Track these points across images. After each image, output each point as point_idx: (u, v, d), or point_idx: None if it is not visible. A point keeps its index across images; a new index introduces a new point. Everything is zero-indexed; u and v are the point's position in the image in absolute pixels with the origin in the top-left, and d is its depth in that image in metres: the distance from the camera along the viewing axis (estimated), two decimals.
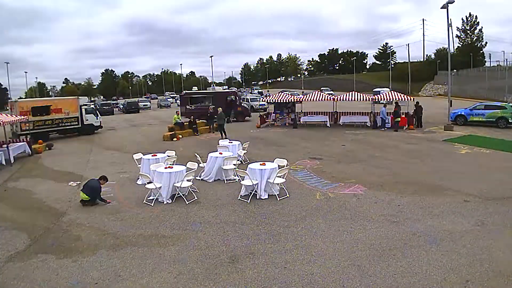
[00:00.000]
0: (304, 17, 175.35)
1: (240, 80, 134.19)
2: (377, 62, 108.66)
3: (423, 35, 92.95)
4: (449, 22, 21.26)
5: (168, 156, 11.34)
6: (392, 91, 25.64)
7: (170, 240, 6.65)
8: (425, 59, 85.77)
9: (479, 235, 6.34)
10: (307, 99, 23.81)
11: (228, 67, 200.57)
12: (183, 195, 8.82)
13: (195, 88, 36.15)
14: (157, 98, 71.11)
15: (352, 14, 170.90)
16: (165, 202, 8.65)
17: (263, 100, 32.06)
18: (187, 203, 8.56)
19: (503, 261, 5.45)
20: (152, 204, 8.55)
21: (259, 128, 22.99)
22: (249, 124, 25.24)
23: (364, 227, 6.89)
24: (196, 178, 10.20)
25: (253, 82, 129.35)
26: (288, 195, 8.84)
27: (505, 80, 48.83)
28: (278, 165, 9.33)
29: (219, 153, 11.14)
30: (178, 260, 5.85)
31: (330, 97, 23.81)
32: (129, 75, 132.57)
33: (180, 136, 19.90)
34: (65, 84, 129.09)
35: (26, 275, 5.57)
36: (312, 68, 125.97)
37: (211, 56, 71.65)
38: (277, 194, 8.76)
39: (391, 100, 22.32)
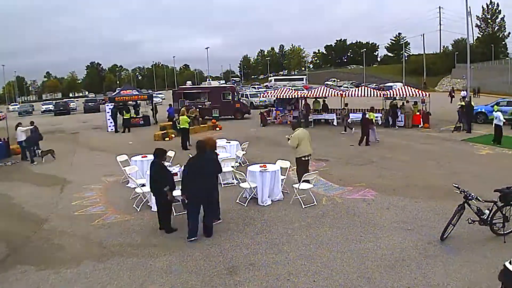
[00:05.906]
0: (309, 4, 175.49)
1: (238, 73, 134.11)
2: (389, 54, 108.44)
3: (440, 25, 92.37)
4: (468, 10, 21.31)
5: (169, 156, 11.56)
6: (406, 86, 25.66)
7: (161, 249, 6.66)
8: (441, 51, 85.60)
9: (501, 244, 6.34)
10: (312, 95, 23.82)
11: (226, 60, 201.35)
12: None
13: (189, 83, 36.18)
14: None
15: (362, 2, 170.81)
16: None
17: (264, 96, 32.06)
18: (180, 208, 8.55)
19: None
20: (139, 210, 8.55)
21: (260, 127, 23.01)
22: (249, 122, 25.25)
23: (375, 236, 6.89)
24: None
25: (253, 76, 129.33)
26: (291, 201, 8.84)
27: None
28: (281, 167, 9.34)
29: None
30: (171, 272, 5.85)
31: (337, 93, 23.81)
32: (117, 69, 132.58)
33: (173, 135, 19.92)
34: (46, 79, 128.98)
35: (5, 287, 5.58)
36: (317, 61, 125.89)
37: (206, 48, 71.77)
38: (279, 199, 8.75)
39: (404, 95, 22.34)
